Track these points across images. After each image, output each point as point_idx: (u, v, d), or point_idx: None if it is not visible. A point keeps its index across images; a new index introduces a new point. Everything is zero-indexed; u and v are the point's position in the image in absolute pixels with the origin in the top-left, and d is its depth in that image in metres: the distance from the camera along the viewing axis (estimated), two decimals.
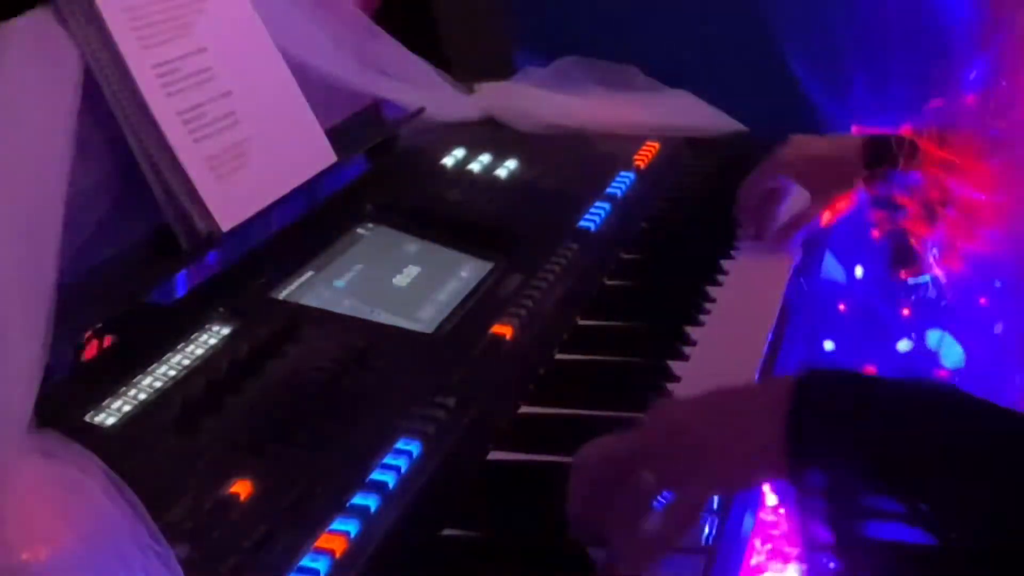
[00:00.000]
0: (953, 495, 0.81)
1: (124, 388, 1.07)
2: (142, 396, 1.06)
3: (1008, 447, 0.82)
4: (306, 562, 0.89)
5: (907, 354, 1.68)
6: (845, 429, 0.84)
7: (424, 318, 1.28)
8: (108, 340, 1.13)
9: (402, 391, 1.11)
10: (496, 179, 1.64)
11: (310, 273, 1.32)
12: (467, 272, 1.39)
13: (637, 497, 0.88)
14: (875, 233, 1.45)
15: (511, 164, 1.67)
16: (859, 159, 1.43)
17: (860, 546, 0.84)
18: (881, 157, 1.40)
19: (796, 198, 1.51)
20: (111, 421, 1.03)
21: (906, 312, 1.47)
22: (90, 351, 1.12)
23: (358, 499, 0.96)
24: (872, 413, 0.84)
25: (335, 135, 1.48)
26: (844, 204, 1.47)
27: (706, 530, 0.95)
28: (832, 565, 0.86)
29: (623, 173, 1.68)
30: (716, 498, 0.97)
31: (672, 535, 0.88)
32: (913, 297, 1.47)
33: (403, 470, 1.00)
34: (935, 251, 1.31)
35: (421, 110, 1.70)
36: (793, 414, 0.84)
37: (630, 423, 1.08)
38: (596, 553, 0.92)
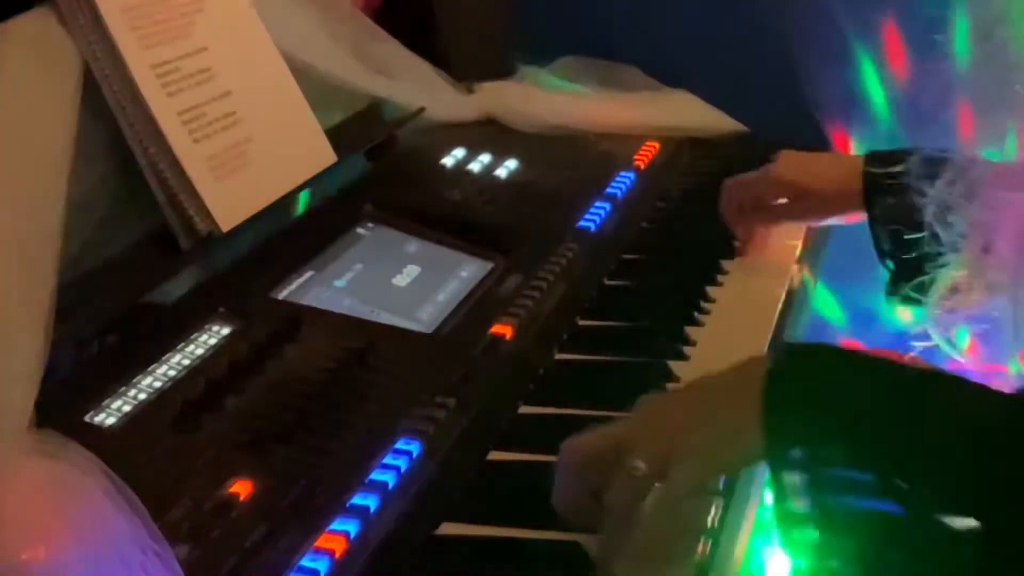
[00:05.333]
0: (924, 468, 0.81)
1: (124, 388, 1.07)
2: (142, 396, 1.06)
3: (979, 420, 0.82)
4: (306, 562, 0.89)
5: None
6: (818, 403, 0.84)
7: (424, 318, 1.28)
8: (108, 340, 1.13)
9: (402, 391, 1.11)
10: (496, 179, 1.64)
11: (310, 273, 1.32)
12: (467, 272, 1.39)
13: (628, 485, 0.88)
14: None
15: (511, 164, 1.67)
16: (859, 182, 1.35)
17: (837, 518, 0.84)
18: (885, 181, 1.31)
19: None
20: (111, 421, 1.03)
21: None
22: (90, 351, 1.12)
23: (358, 499, 0.96)
24: (844, 387, 0.85)
25: (335, 135, 1.48)
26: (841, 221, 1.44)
27: (712, 511, 0.96)
28: (810, 538, 0.86)
29: (623, 173, 1.68)
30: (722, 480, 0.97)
31: (670, 536, 0.87)
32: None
33: (403, 470, 1.00)
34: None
35: (421, 110, 1.70)
36: (767, 391, 0.85)
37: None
38: (595, 552, 0.92)
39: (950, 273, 1.07)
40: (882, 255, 1.33)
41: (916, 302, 1.15)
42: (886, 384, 0.86)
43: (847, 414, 0.84)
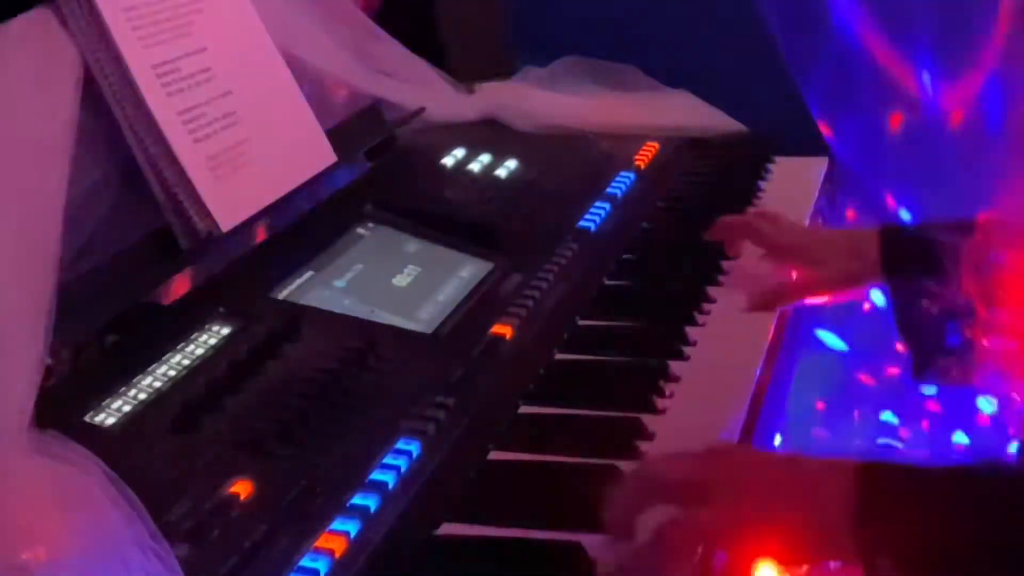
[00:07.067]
0: None
1: (124, 388, 1.07)
2: (142, 396, 1.06)
3: None
4: (306, 562, 0.90)
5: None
6: (912, 520, 0.85)
7: (424, 318, 1.28)
8: (108, 340, 1.13)
9: (402, 391, 1.11)
10: (496, 179, 1.64)
11: (310, 273, 1.32)
12: (467, 272, 1.39)
13: (690, 529, 0.89)
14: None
15: (511, 164, 1.67)
16: (878, 256, 1.31)
17: None
18: (903, 258, 1.26)
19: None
20: (111, 421, 1.03)
21: None
22: (90, 351, 1.12)
23: (358, 499, 0.96)
24: (935, 505, 0.85)
25: (335, 135, 1.48)
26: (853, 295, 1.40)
27: None
28: None
29: (623, 173, 1.68)
30: None
31: None
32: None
33: (403, 470, 1.01)
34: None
35: (421, 110, 1.70)
36: (863, 500, 0.85)
37: (633, 424, 1.09)
38: (594, 551, 0.92)
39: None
40: (903, 331, 1.28)
41: (944, 380, 1.10)
42: (969, 500, 0.86)
43: (936, 534, 0.84)
